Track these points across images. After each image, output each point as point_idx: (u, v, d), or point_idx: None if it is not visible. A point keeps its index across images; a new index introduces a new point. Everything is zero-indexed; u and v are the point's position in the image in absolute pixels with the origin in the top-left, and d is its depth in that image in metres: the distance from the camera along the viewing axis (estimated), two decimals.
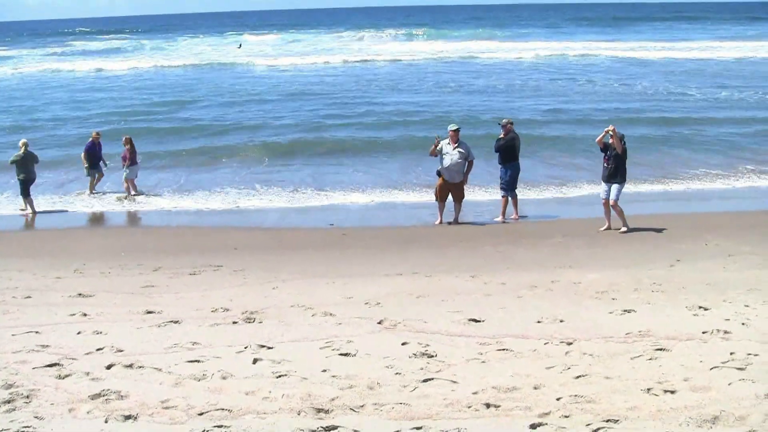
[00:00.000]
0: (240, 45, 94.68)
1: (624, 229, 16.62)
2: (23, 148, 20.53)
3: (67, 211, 20.54)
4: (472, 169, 18.37)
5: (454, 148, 17.89)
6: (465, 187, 18.42)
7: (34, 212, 20.22)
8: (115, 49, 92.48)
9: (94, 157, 22.40)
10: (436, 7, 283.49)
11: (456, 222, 18.07)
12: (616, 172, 16.55)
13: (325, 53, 74.51)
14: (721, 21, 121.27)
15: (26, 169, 20.35)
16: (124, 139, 22.55)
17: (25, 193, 20.37)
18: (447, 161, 17.87)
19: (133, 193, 22.10)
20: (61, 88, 50.66)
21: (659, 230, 16.51)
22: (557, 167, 24.44)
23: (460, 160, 17.85)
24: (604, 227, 16.87)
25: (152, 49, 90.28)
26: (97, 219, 20.34)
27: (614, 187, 16.61)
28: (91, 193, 22.42)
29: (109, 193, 22.52)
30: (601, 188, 17.02)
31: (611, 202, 16.64)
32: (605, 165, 16.73)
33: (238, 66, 64.14)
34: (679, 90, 42.07)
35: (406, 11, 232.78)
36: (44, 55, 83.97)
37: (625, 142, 16.71)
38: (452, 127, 18.23)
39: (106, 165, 23.05)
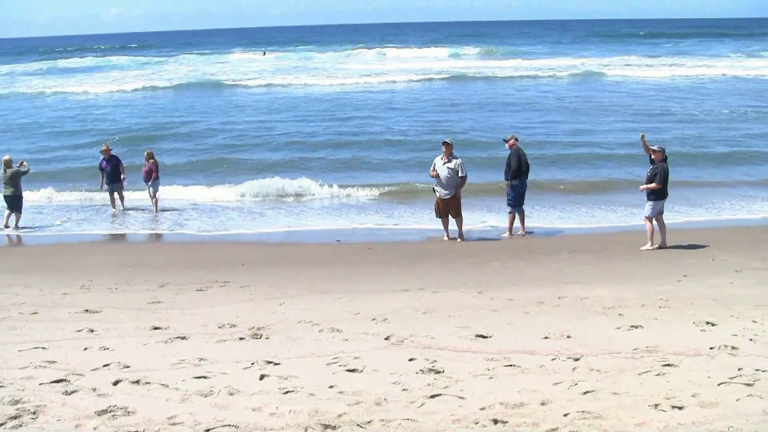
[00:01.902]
0: (264, 52, 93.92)
1: (645, 246, 16.57)
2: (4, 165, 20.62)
3: (74, 225, 20.62)
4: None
5: (444, 164, 17.84)
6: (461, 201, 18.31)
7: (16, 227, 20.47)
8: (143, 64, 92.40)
9: (106, 171, 22.37)
10: (458, 23, 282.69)
11: (461, 238, 18.05)
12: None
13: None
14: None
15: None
16: (146, 153, 22.48)
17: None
18: (439, 176, 17.89)
19: (155, 209, 22.06)
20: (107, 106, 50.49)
21: (666, 246, 16.50)
22: None
23: (449, 176, 17.75)
24: (646, 246, 16.68)
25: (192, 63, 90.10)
26: (103, 233, 20.39)
27: (647, 203, 16.71)
28: (113, 208, 22.43)
29: (128, 210, 22.64)
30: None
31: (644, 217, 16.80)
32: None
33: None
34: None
35: (426, 27, 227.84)
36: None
37: (666, 157, 16.73)
38: (445, 140, 18.23)
39: (124, 179, 22.75)
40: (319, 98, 50.22)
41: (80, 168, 28.13)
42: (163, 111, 45.16)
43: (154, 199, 22.11)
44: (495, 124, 36.19)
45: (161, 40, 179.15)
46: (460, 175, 17.73)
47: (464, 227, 18.26)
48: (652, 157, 16.65)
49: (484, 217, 20.48)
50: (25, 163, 21.02)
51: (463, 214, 18.25)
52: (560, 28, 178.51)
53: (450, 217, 18.07)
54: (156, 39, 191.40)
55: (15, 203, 20.44)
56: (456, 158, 17.81)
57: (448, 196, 17.83)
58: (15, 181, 20.40)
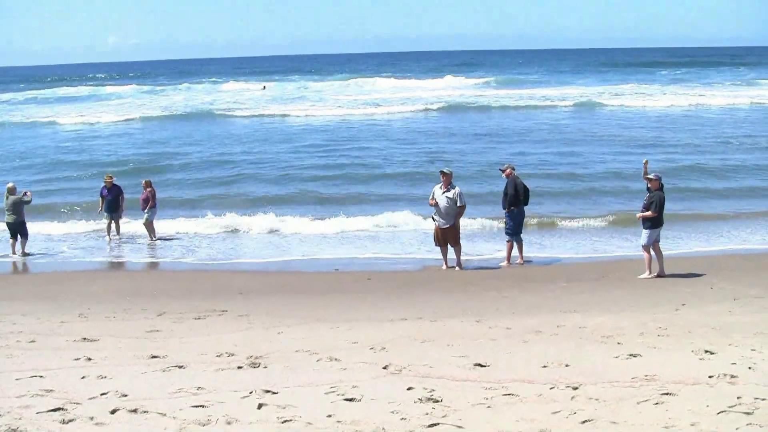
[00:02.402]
0: (264, 86, 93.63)
1: (643, 275, 16.59)
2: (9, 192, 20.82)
3: (72, 252, 20.63)
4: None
5: (443, 193, 17.92)
6: (460, 231, 18.40)
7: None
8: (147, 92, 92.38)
9: (106, 200, 22.45)
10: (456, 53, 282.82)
11: (459, 266, 18.05)
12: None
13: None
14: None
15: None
16: (144, 182, 22.63)
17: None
18: (438, 205, 17.94)
19: (152, 238, 22.17)
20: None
21: (665, 274, 16.52)
22: None
23: (447, 205, 17.83)
24: (644, 275, 16.69)
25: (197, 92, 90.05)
26: (102, 262, 20.41)
27: (643, 231, 16.75)
28: (108, 236, 22.50)
29: (126, 238, 22.66)
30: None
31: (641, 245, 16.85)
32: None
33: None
34: None
35: (422, 56, 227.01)
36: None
37: (662, 185, 16.80)
38: (443, 169, 18.37)
39: (122, 209, 22.88)
40: (315, 129, 50.19)
41: (76, 198, 28.07)
42: (159, 142, 44.77)
43: (150, 227, 22.18)
44: (496, 154, 35.98)
45: (158, 69, 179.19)
46: (458, 204, 17.78)
47: (462, 256, 18.27)
48: (649, 185, 16.72)
49: (482, 246, 20.50)
50: (29, 194, 21.17)
51: (462, 242, 18.27)
52: (556, 57, 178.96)
53: (449, 246, 18.08)
54: (152, 68, 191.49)
55: (19, 229, 20.67)
56: (454, 187, 17.87)
57: (447, 225, 17.85)
58: (18, 208, 20.57)
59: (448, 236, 17.99)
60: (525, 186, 18.61)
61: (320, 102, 70.66)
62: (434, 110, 59.77)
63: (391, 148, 39.32)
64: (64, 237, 22.99)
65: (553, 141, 41.11)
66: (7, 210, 20.75)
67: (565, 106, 61.11)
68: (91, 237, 22.96)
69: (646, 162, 17.61)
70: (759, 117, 51.75)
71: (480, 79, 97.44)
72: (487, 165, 31.89)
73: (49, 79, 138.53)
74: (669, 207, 17.77)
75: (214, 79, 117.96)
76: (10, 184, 21.25)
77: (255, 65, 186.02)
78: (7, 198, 20.71)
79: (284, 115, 59.23)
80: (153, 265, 20.05)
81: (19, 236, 20.68)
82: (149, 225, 22.19)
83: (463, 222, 19.29)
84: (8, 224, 20.75)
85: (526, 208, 18.69)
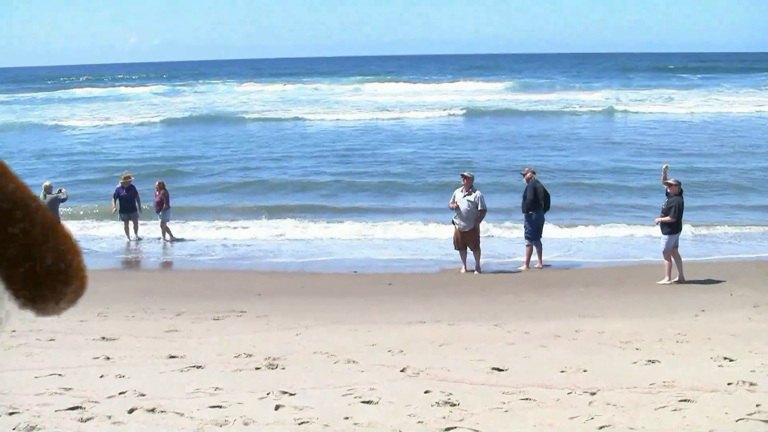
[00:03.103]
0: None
1: (663, 281, 16.56)
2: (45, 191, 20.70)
3: (91, 252, 20.70)
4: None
5: (464, 197, 17.94)
6: (480, 236, 18.40)
7: None
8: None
9: (123, 200, 22.44)
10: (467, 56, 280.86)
11: (478, 270, 18.04)
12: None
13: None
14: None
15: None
16: (157, 183, 22.64)
17: None
18: (459, 209, 17.96)
19: (168, 238, 22.20)
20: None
21: (684, 280, 16.46)
22: None
23: (468, 209, 17.82)
24: (664, 280, 16.65)
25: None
26: (121, 262, 20.53)
27: (662, 237, 16.72)
28: (128, 237, 22.52)
29: (146, 238, 22.72)
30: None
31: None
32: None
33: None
34: None
35: (441, 60, 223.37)
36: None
37: (682, 191, 16.75)
38: (464, 173, 18.42)
39: (140, 209, 22.75)
40: (333, 133, 49.57)
41: (93, 199, 28.07)
42: (176, 145, 44.54)
43: (164, 228, 22.22)
44: (525, 159, 34.96)
45: (177, 70, 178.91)
46: (479, 208, 17.77)
47: (482, 260, 18.26)
48: (669, 190, 16.67)
49: (502, 250, 20.48)
50: (63, 191, 21.20)
51: (481, 246, 18.27)
52: (573, 61, 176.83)
53: (468, 249, 18.07)
54: (172, 68, 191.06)
55: None
56: (476, 191, 17.87)
57: (467, 229, 17.85)
58: (54, 207, 20.52)
59: (467, 240, 17.97)
60: (545, 191, 18.62)
61: (337, 105, 69.89)
62: (459, 114, 58.75)
63: (416, 155, 38.39)
64: (82, 237, 23.07)
65: (594, 148, 40.05)
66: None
67: (598, 111, 59.03)
68: (108, 237, 23.03)
69: (666, 166, 17.59)
70: None
71: (500, 83, 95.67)
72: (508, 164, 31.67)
73: (63, 79, 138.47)
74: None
75: (230, 80, 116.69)
76: (46, 183, 21.09)
77: (273, 67, 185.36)
78: (44, 197, 20.49)
79: (300, 119, 58.07)
80: (171, 266, 20.12)
81: None
82: (164, 225, 22.23)
83: (483, 226, 19.23)
84: None
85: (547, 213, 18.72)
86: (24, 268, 1.77)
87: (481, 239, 18.41)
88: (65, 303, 1.87)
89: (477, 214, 17.85)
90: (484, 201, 17.92)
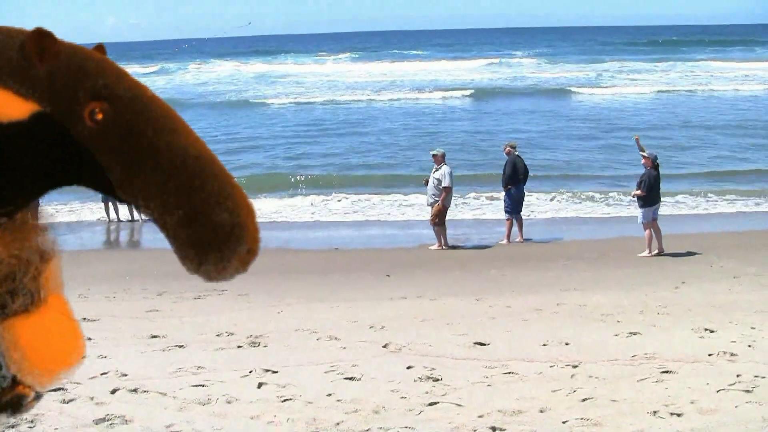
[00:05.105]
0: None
1: (643, 253, 16.73)
2: None
3: (71, 233, 20.58)
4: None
5: (432, 173, 18.09)
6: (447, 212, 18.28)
7: None
8: None
9: None
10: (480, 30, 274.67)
11: (445, 245, 18.09)
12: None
13: None
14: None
15: None
16: None
17: None
18: (427, 185, 18.20)
19: (144, 217, 21.97)
20: None
21: (664, 252, 16.56)
22: None
23: (434, 184, 17.97)
24: (644, 253, 16.82)
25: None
26: (102, 243, 20.42)
27: (639, 210, 16.97)
28: (108, 218, 22.35)
29: (127, 219, 22.54)
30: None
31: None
32: None
33: None
34: None
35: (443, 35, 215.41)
36: None
37: (658, 165, 16.83)
38: (432, 151, 18.56)
39: None
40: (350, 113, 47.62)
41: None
42: None
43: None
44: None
45: (158, 49, 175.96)
46: (443, 184, 17.82)
47: (460, 234, 18.35)
48: (642, 162, 16.82)
49: (484, 224, 20.54)
50: None
51: (464, 219, 18.36)
52: (584, 35, 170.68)
53: (439, 225, 18.08)
54: (152, 48, 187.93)
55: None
56: (444, 167, 17.87)
57: (431, 204, 18.03)
58: None
59: (433, 214, 18.03)
60: (525, 165, 18.68)
61: (340, 83, 66.76)
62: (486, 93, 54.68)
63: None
64: (63, 218, 22.91)
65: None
66: None
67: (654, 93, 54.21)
68: (90, 218, 22.88)
69: (638, 137, 17.89)
70: None
71: (522, 59, 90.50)
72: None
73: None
74: None
75: (223, 59, 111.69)
76: None
77: (267, 44, 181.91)
78: None
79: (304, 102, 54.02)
80: (152, 246, 20.01)
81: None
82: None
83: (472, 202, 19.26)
84: None
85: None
86: (192, 229, 1.72)
87: (449, 214, 18.45)
88: (235, 268, 1.80)
89: (441, 189, 17.90)
90: (450, 178, 17.86)
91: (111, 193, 1.81)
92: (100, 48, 1.89)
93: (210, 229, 1.71)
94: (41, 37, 1.74)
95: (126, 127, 1.74)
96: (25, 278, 1.79)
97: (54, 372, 1.84)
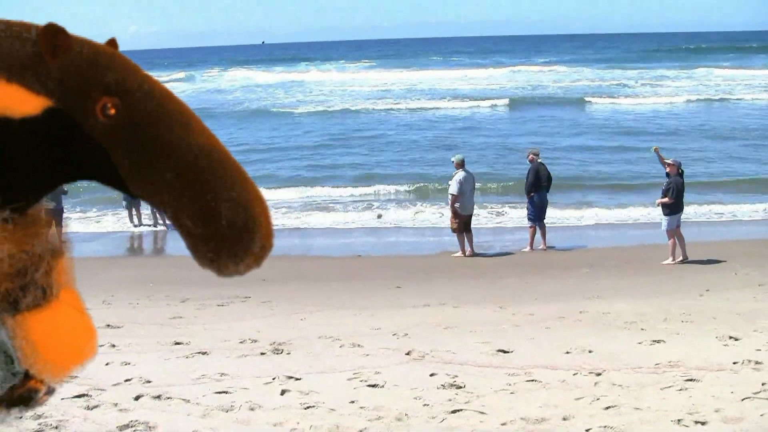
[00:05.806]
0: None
1: (667, 261, 16.61)
2: None
3: (95, 240, 20.70)
4: None
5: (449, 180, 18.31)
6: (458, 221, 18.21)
7: None
8: None
9: None
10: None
11: (470, 253, 18.11)
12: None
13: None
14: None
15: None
16: None
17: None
18: None
19: (162, 222, 22.09)
20: None
21: (688, 260, 16.47)
22: None
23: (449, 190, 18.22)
24: (668, 260, 16.71)
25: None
26: (125, 249, 20.52)
27: (663, 217, 16.87)
28: (132, 224, 22.44)
29: (150, 225, 22.64)
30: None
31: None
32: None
33: None
34: None
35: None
36: None
37: (682, 171, 16.78)
38: (451, 158, 18.68)
39: None
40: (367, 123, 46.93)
41: (96, 188, 27.97)
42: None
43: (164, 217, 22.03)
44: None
45: (175, 58, 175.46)
46: (449, 191, 18.08)
47: (483, 243, 18.35)
48: (667, 170, 16.73)
49: (508, 231, 20.51)
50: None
51: (487, 226, 18.40)
52: (617, 41, 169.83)
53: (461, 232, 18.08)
54: (170, 56, 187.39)
55: (55, 216, 20.56)
56: (456, 174, 18.00)
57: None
58: (56, 196, 20.49)
59: (450, 221, 18.26)
60: (548, 173, 18.65)
61: (360, 91, 65.49)
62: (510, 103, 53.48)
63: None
64: (85, 225, 23.02)
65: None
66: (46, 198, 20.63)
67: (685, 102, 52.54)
68: (112, 224, 22.99)
69: (656, 149, 17.78)
70: None
71: (548, 66, 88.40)
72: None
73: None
74: None
75: (251, 67, 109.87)
76: None
77: (284, 52, 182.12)
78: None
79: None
80: (175, 253, 20.07)
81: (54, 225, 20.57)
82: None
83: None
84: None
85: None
86: (205, 224, 1.72)
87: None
88: (247, 263, 1.81)
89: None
90: (457, 186, 17.87)
91: (123, 188, 1.82)
92: (112, 43, 1.90)
93: (223, 225, 1.71)
94: (54, 32, 1.75)
95: (138, 122, 1.75)
96: (37, 274, 1.80)
97: (66, 366, 1.86)
